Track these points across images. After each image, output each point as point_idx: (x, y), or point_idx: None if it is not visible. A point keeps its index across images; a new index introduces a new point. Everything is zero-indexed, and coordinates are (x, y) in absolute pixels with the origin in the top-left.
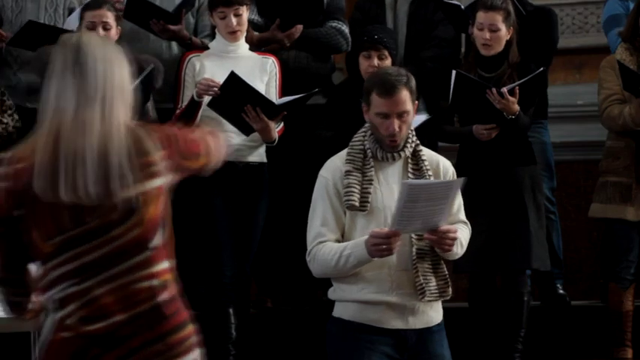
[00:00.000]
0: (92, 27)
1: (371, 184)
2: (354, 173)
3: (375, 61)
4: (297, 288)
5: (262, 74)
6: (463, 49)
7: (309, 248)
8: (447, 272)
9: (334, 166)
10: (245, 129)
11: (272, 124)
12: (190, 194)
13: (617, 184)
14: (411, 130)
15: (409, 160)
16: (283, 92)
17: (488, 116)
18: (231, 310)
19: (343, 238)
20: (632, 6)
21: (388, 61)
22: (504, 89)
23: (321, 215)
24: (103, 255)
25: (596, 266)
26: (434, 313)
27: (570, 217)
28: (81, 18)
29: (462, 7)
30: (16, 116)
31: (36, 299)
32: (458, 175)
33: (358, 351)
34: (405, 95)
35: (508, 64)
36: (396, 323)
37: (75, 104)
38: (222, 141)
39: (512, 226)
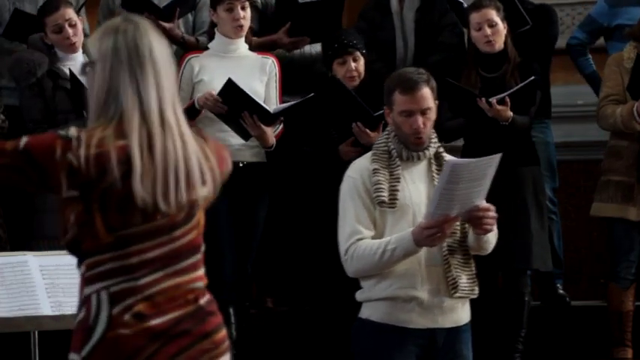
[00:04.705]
0: (59, 30)
1: (398, 181)
2: (381, 171)
3: (352, 65)
4: (297, 288)
5: (262, 75)
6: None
7: (345, 247)
8: (475, 270)
9: (361, 166)
10: (244, 134)
11: (269, 131)
12: None
13: (619, 184)
14: (433, 132)
15: (432, 161)
16: (287, 90)
17: (482, 121)
18: (231, 310)
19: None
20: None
21: (362, 61)
22: (493, 99)
23: (353, 213)
24: (165, 253)
25: (597, 266)
26: (463, 313)
27: (570, 217)
28: (43, 24)
29: (465, 4)
30: (2, 116)
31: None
32: None
33: (386, 352)
34: (426, 92)
35: (509, 62)
36: (425, 322)
37: (157, 104)
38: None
39: (513, 226)
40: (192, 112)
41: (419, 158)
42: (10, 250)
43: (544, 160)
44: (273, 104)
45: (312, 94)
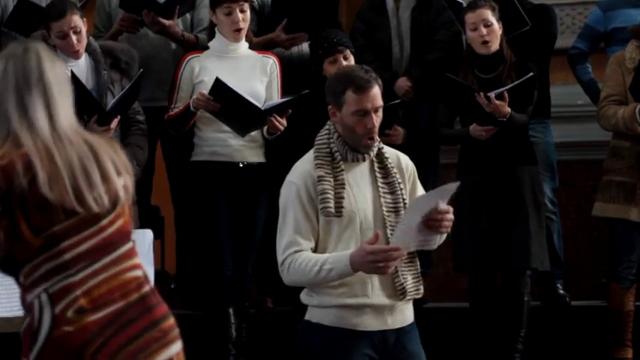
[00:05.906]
0: (63, 36)
1: (343, 188)
2: (326, 178)
3: (343, 63)
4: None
5: (262, 75)
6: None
7: (282, 257)
8: (419, 268)
9: (304, 172)
10: (240, 130)
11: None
12: (191, 194)
13: (621, 184)
14: None
15: (374, 161)
16: (286, 89)
17: (481, 118)
18: (231, 310)
19: (317, 244)
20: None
21: (352, 60)
22: (491, 94)
23: (293, 223)
24: (95, 245)
25: (597, 266)
26: (408, 312)
27: (570, 217)
28: (47, 28)
29: (464, 4)
30: None
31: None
32: (459, 174)
33: (338, 355)
34: (377, 90)
35: (505, 63)
36: (376, 324)
37: (48, 123)
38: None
39: (512, 225)
40: (187, 115)
41: (364, 159)
42: None
43: (544, 160)
44: None
45: (306, 91)
